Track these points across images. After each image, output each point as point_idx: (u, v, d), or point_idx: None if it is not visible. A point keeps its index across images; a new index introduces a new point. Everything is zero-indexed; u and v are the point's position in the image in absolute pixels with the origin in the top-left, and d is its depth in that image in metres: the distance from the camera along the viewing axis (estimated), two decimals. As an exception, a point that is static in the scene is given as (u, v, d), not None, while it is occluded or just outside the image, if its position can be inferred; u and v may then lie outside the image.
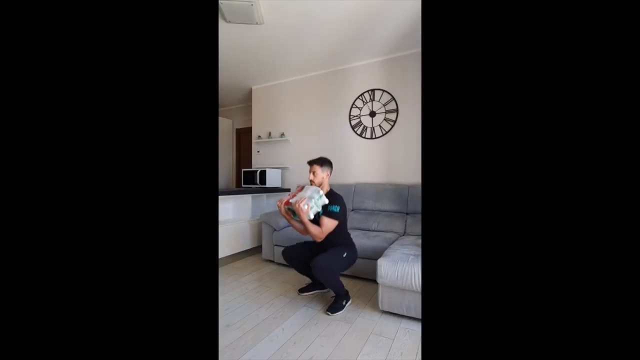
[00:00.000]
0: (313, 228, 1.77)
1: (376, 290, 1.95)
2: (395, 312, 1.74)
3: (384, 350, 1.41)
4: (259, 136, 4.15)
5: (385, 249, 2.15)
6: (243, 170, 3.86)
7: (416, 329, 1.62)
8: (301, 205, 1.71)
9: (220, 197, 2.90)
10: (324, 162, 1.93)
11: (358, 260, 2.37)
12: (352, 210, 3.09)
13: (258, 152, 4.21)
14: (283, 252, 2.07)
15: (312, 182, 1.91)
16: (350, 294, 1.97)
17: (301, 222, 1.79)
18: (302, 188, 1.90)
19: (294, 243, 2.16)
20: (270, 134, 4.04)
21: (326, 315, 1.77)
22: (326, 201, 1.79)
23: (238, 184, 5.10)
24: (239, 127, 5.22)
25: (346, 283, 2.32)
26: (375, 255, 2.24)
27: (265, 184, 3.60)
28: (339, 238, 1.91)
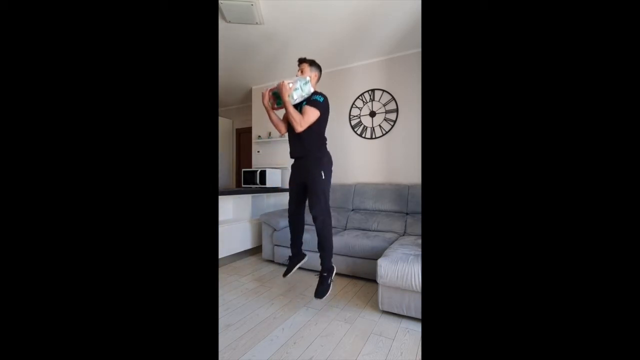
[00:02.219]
0: (294, 111, 1.73)
1: (376, 290, 1.95)
2: (395, 312, 1.74)
3: (384, 350, 1.41)
4: (259, 136, 4.15)
5: (385, 249, 2.15)
6: (243, 170, 3.86)
7: (416, 329, 1.62)
8: (285, 82, 1.69)
9: (220, 197, 2.90)
10: (313, 62, 1.92)
11: (358, 261, 2.38)
12: (352, 210, 3.09)
13: (258, 152, 4.20)
14: (289, 216, 2.07)
15: None
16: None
17: (284, 106, 1.75)
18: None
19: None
20: (270, 134, 4.04)
21: (326, 316, 1.77)
22: (312, 90, 1.78)
23: (238, 184, 5.10)
24: (239, 127, 5.22)
25: (346, 283, 2.32)
26: (375, 255, 2.24)
27: (265, 184, 3.59)
28: (315, 142, 1.87)
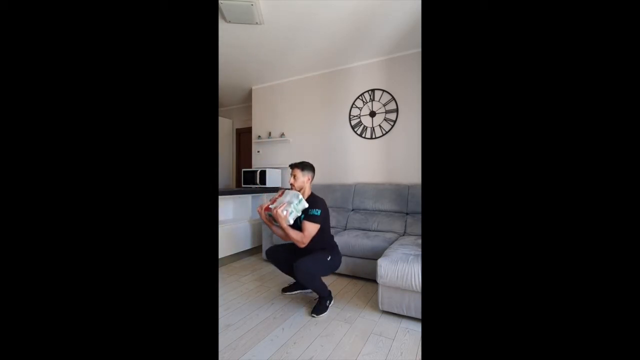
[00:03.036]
0: (294, 233, 1.75)
1: (376, 290, 1.95)
2: (395, 312, 1.74)
3: (384, 350, 1.41)
4: (259, 136, 4.15)
5: (385, 249, 2.15)
6: (243, 170, 3.86)
7: (416, 329, 1.62)
8: (279, 211, 1.69)
9: (220, 197, 2.90)
10: (305, 166, 1.92)
11: (358, 260, 2.38)
12: (352, 210, 3.09)
13: (258, 152, 4.21)
14: (267, 251, 2.05)
15: (292, 186, 1.90)
16: (333, 293, 1.96)
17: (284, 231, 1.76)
18: (282, 192, 1.87)
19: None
20: (270, 134, 4.04)
21: (326, 316, 1.77)
22: (306, 205, 1.77)
23: (238, 184, 5.10)
24: (239, 127, 5.22)
25: (346, 283, 2.32)
26: (375, 255, 2.24)
27: (265, 184, 3.59)
28: (322, 242, 1.89)
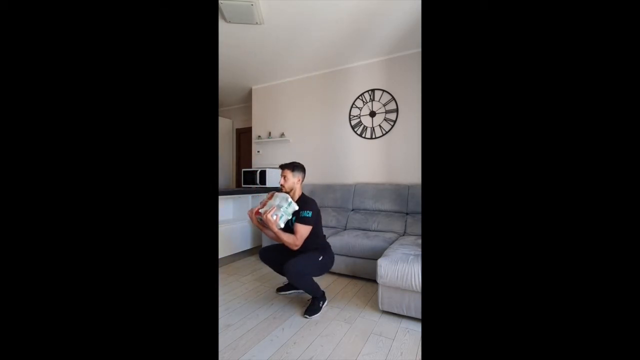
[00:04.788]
0: (286, 237, 1.73)
1: (376, 290, 1.95)
2: (395, 312, 1.74)
3: (384, 350, 1.41)
4: (259, 136, 4.15)
5: (385, 249, 2.15)
6: (243, 170, 3.86)
7: (416, 329, 1.62)
8: (269, 216, 1.67)
9: (220, 197, 2.90)
10: (295, 167, 1.90)
11: (358, 260, 2.38)
12: (352, 210, 3.09)
13: (258, 152, 4.21)
14: (259, 252, 2.05)
15: (282, 187, 1.89)
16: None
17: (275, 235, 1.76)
18: (272, 195, 1.86)
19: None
20: (270, 134, 4.04)
21: (326, 316, 1.77)
22: (296, 207, 1.76)
23: (238, 184, 5.10)
24: (239, 127, 5.22)
25: (346, 283, 2.32)
26: (375, 255, 2.24)
27: (265, 184, 3.59)
28: (315, 243, 1.88)
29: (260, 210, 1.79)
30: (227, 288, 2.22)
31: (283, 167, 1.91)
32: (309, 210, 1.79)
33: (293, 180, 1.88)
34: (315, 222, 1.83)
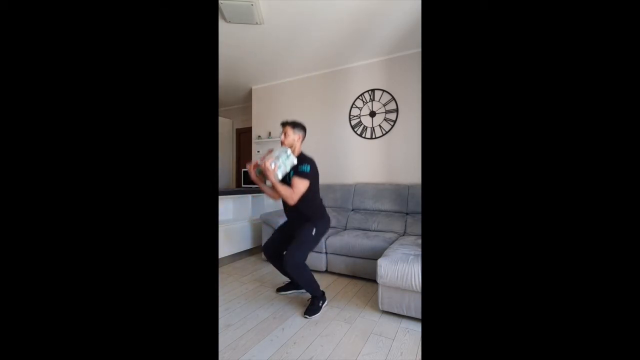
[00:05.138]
0: (283, 188, 1.70)
1: (376, 290, 1.95)
2: (395, 312, 1.74)
3: (384, 350, 1.41)
4: (259, 136, 4.15)
5: (385, 249, 2.15)
6: (243, 170, 3.86)
7: (416, 329, 1.62)
8: (267, 164, 1.65)
9: (220, 197, 2.90)
10: (296, 124, 1.88)
11: (358, 261, 2.38)
12: (352, 210, 3.09)
13: (258, 152, 4.20)
14: (262, 247, 2.05)
15: (282, 144, 1.86)
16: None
17: (272, 185, 1.73)
18: (271, 150, 1.83)
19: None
20: (270, 134, 4.04)
21: (326, 316, 1.77)
22: (295, 161, 1.74)
23: (238, 184, 5.10)
24: (239, 127, 5.22)
25: (346, 283, 2.32)
26: (375, 255, 2.24)
27: (265, 183, 3.59)
28: (310, 206, 1.87)
29: (258, 162, 1.76)
30: (227, 288, 2.22)
31: (284, 124, 1.88)
32: (308, 165, 1.78)
33: (293, 137, 1.85)
34: (313, 179, 1.81)
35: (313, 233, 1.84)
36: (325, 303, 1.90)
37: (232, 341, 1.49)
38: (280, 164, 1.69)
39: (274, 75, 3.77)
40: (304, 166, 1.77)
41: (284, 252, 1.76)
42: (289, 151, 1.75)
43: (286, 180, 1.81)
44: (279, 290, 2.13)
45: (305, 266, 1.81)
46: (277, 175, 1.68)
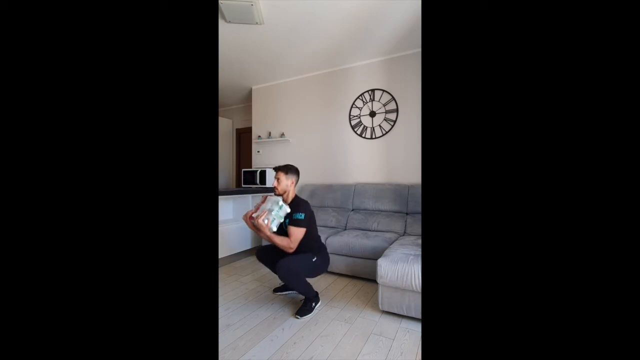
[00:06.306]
0: (279, 240, 1.73)
1: (376, 290, 1.95)
2: (395, 312, 1.74)
3: (384, 350, 1.41)
4: (259, 136, 4.15)
5: (385, 249, 2.15)
6: (243, 170, 3.86)
7: (416, 329, 1.62)
8: (260, 221, 1.67)
9: (220, 197, 2.90)
10: (289, 169, 1.90)
11: (358, 261, 2.38)
12: (352, 210, 3.09)
13: (258, 152, 4.21)
14: (256, 253, 2.05)
15: (275, 189, 1.88)
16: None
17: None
18: (265, 199, 1.86)
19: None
20: (270, 134, 4.04)
21: (326, 316, 1.77)
22: (288, 210, 1.75)
23: (238, 184, 5.10)
24: (239, 127, 5.22)
25: (346, 283, 2.32)
26: (375, 255, 2.24)
27: (265, 184, 3.59)
28: (309, 245, 1.87)
29: (253, 215, 1.79)
30: (227, 288, 2.22)
31: (277, 169, 1.90)
32: (302, 213, 1.79)
33: (286, 182, 1.87)
34: (309, 224, 1.83)
35: (313, 260, 1.84)
36: (319, 304, 1.89)
37: (232, 341, 1.49)
38: (274, 216, 1.71)
39: (274, 75, 3.77)
40: (298, 214, 1.78)
41: (278, 261, 1.75)
42: (281, 201, 1.76)
43: (282, 227, 1.83)
44: (276, 290, 2.13)
45: (299, 273, 1.80)
46: (272, 229, 1.71)
